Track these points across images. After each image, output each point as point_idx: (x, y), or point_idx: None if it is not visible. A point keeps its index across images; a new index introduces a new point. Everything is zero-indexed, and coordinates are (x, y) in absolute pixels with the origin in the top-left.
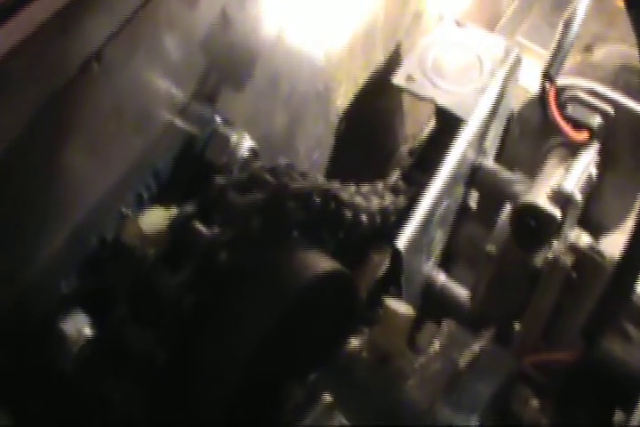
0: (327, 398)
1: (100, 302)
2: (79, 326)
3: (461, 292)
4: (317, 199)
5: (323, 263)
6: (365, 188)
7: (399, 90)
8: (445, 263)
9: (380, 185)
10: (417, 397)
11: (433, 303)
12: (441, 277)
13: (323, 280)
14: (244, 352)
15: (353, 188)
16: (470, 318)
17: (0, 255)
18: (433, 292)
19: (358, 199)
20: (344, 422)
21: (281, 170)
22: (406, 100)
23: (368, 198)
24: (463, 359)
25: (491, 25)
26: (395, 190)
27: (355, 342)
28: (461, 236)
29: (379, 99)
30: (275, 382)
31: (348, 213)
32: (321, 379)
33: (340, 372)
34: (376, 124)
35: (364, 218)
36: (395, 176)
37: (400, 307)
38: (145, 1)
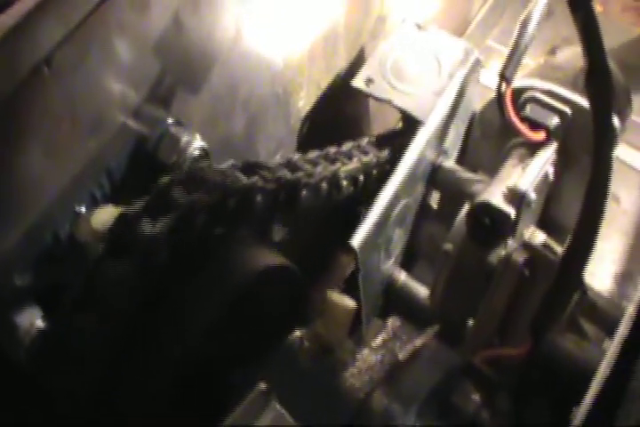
0: (262, 385)
1: (54, 296)
2: (32, 317)
3: (422, 290)
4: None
5: (266, 258)
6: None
7: (360, 93)
8: (407, 263)
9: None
10: (354, 385)
11: (394, 302)
12: (401, 276)
13: (266, 274)
14: (186, 342)
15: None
16: (430, 316)
17: None
18: (393, 290)
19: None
20: (279, 408)
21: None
22: (373, 105)
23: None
24: (403, 353)
25: (461, 29)
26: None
27: (298, 333)
28: (422, 235)
29: (344, 102)
30: (220, 371)
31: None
32: (263, 367)
33: (282, 360)
34: (341, 127)
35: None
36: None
37: (342, 300)
38: (95, 6)
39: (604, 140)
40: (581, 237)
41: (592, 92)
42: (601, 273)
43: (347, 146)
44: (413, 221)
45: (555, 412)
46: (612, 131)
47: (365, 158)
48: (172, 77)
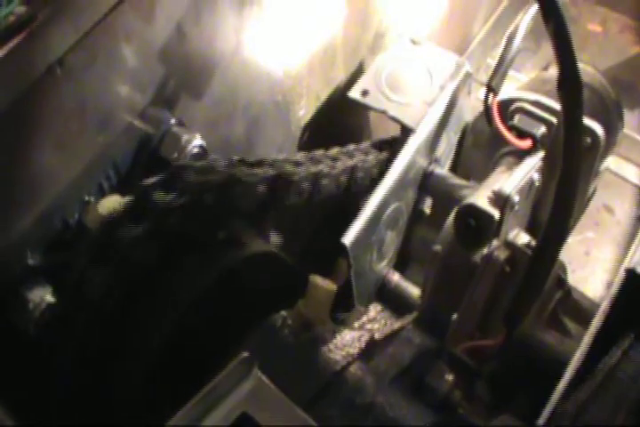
0: (245, 353)
1: (62, 274)
2: (42, 293)
3: (414, 291)
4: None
5: (253, 245)
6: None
7: (360, 105)
8: (401, 266)
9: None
10: (331, 359)
11: (387, 302)
12: (394, 277)
13: (252, 259)
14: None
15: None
16: (423, 315)
17: None
18: (386, 291)
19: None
20: (260, 375)
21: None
22: (373, 117)
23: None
24: (380, 333)
25: (462, 48)
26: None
27: (283, 313)
28: (415, 239)
29: (343, 114)
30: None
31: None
32: (247, 340)
33: (264, 334)
34: (340, 138)
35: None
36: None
37: (323, 282)
38: (103, 15)
39: (572, 141)
40: (552, 229)
41: (563, 98)
42: (594, 281)
43: (348, 148)
44: (407, 226)
45: (532, 403)
46: (580, 133)
47: (366, 157)
48: (175, 82)
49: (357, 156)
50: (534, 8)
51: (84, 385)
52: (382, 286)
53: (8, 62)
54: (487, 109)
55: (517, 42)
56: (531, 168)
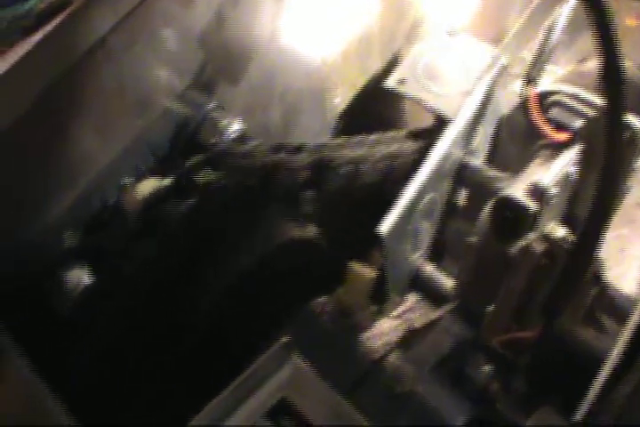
0: (285, 338)
1: (100, 256)
2: (79, 274)
3: (447, 282)
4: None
5: (294, 232)
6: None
7: (397, 95)
8: (435, 257)
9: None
10: (370, 347)
11: (421, 293)
12: (428, 269)
13: (291, 244)
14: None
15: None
16: (458, 307)
17: (15, 209)
18: (420, 281)
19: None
20: (300, 361)
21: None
22: (408, 108)
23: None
24: (419, 322)
25: (497, 39)
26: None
27: (322, 299)
28: (449, 231)
29: (378, 103)
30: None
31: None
32: (286, 325)
33: (305, 320)
34: (375, 127)
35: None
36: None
37: (363, 269)
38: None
39: (614, 132)
40: (592, 223)
41: (607, 91)
42: (629, 278)
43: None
44: (441, 218)
45: (567, 400)
46: (622, 128)
47: (403, 146)
48: (214, 67)
49: (394, 144)
50: None
51: (121, 369)
52: (416, 277)
53: (50, 43)
54: (525, 101)
55: (557, 33)
56: (568, 161)
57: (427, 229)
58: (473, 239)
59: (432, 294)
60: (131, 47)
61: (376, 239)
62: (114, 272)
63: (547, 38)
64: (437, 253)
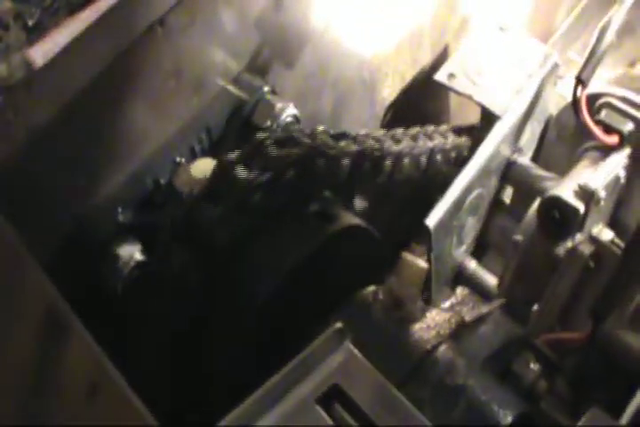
0: (338, 324)
1: (151, 234)
2: (131, 250)
3: (491, 279)
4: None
5: (345, 219)
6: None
7: (444, 89)
8: (479, 253)
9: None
10: (422, 338)
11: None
12: (472, 265)
13: (346, 232)
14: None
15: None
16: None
17: (71, 184)
18: (463, 277)
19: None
20: (352, 347)
21: (316, 133)
22: (454, 102)
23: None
24: (469, 316)
25: (544, 38)
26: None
27: (373, 288)
28: (494, 228)
29: (425, 96)
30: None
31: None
32: (338, 313)
33: (357, 309)
34: (422, 119)
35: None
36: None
37: (415, 260)
38: None
39: None
40: None
41: None
42: None
43: (427, 129)
44: (486, 214)
45: (611, 404)
46: None
47: (445, 141)
48: (269, 51)
49: (436, 138)
50: (630, 0)
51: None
52: (459, 273)
53: (108, 21)
54: (575, 102)
55: (610, 35)
56: (617, 164)
57: (472, 225)
58: (519, 237)
59: (475, 291)
60: (190, 27)
61: (422, 232)
62: (166, 253)
63: (600, 39)
64: (480, 250)
